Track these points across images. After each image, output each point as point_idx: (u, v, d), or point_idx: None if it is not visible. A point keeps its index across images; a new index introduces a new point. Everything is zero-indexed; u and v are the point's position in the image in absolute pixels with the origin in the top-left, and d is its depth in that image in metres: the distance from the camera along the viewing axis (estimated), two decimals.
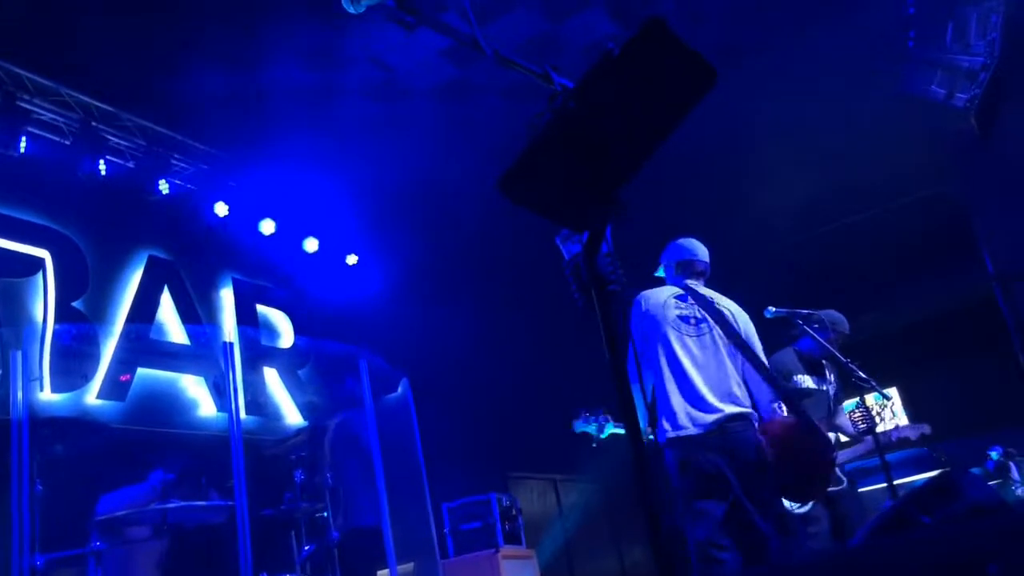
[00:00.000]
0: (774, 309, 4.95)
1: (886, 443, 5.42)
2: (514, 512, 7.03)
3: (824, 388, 5.57)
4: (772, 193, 7.95)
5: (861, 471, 10.71)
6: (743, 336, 3.88)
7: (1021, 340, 6.56)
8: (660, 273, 4.16)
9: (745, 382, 3.83)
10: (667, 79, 1.64)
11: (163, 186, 6.50)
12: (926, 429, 5.69)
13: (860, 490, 10.87)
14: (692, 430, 3.61)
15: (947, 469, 10.36)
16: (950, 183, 7.01)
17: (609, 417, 4.25)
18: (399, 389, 5.75)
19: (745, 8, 6.19)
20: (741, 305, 4.15)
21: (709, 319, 3.84)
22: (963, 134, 6.20)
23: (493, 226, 6.80)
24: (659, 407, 3.71)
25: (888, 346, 10.12)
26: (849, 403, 12.19)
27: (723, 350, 3.80)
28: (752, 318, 4.44)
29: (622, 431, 4.02)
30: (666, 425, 3.66)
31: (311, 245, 7.56)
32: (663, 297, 3.87)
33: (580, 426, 4.24)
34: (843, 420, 5.82)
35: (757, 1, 6.16)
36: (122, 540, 4.00)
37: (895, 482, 4.91)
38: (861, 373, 4.92)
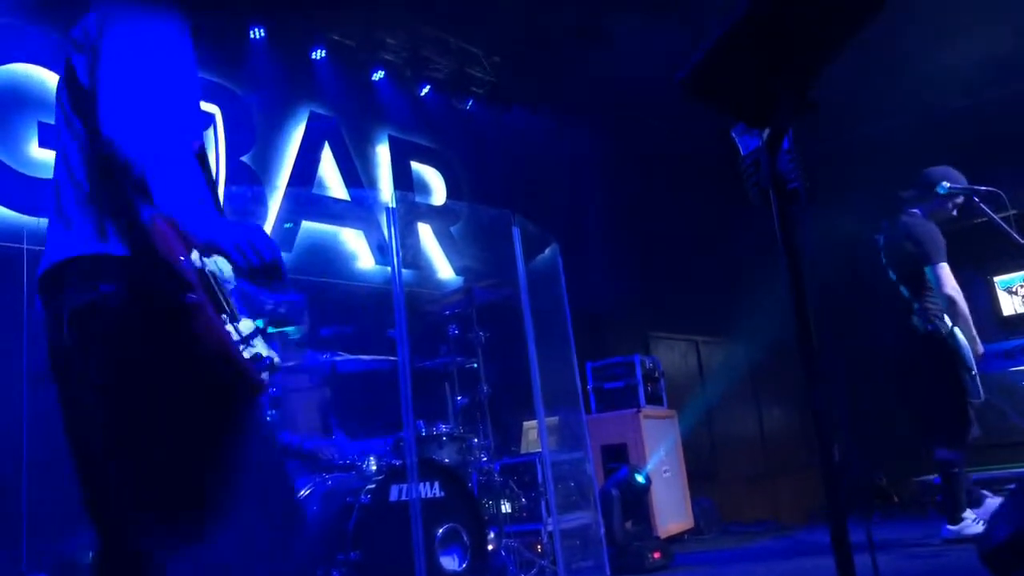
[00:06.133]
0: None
1: None
2: (656, 374, 7.15)
3: None
4: (935, 54, 7.30)
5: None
6: None
7: None
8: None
9: None
10: None
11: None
12: None
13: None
14: None
15: None
16: None
17: None
18: (546, 251, 5.83)
19: None
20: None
21: None
22: None
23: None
24: None
25: None
26: (1010, 278, 11.36)
27: None
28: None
29: None
30: None
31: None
32: None
33: None
34: None
35: None
36: (295, 386, 4.33)
37: None
38: None
